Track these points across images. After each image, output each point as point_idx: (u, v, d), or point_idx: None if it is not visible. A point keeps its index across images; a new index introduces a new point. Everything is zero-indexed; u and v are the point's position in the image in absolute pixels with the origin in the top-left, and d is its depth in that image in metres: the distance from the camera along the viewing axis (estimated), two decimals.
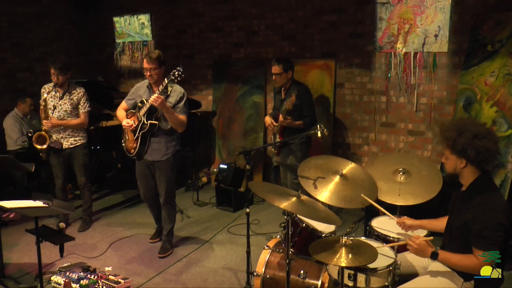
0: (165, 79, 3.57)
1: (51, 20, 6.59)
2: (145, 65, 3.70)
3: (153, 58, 3.66)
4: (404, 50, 4.62)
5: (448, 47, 4.39)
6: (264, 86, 5.64)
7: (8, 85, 6.14)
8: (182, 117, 3.76)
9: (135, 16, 6.57)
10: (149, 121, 3.70)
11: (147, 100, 3.67)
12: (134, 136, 3.81)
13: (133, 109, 3.89)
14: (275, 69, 4.29)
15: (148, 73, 3.70)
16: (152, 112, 3.71)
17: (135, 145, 3.81)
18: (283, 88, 4.43)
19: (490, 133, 2.29)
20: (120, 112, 3.98)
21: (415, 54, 4.57)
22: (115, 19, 6.77)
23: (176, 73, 3.48)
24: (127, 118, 3.88)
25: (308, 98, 4.32)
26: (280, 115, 4.19)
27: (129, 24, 6.67)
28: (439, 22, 4.38)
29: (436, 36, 4.42)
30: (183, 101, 3.76)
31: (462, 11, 4.30)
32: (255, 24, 5.62)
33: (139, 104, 3.79)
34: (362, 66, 4.94)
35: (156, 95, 3.55)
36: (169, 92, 3.71)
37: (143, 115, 3.72)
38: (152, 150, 3.83)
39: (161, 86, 3.62)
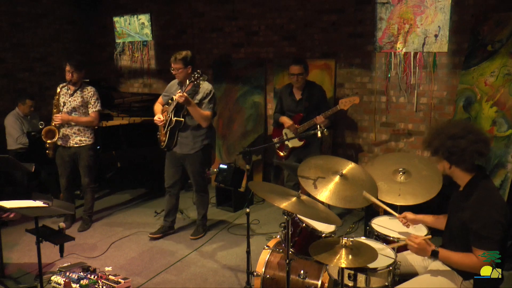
0: (187, 80, 3.92)
1: (51, 20, 6.58)
2: (172, 65, 4.01)
3: (178, 58, 3.97)
4: (404, 50, 4.62)
5: (448, 47, 4.39)
6: (264, 86, 5.64)
7: (8, 85, 6.14)
8: (206, 112, 4.00)
9: (135, 16, 6.57)
10: (175, 118, 3.97)
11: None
12: (164, 130, 4.09)
13: (167, 104, 4.15)
14: (296, 69, 4.28)
15: (174, 72, 4.03)
16: (179, 109, 3.97)
17: (164, 138, 4.10)
18: (293, 89, 4.42)
19: (472, 133, 2.22)
20: (157, 106, 4.27)
21: (415, 54, 4.57)
22: (115, 19, 6.76)
23: (196, 75, 3.77)
24: (162, 113, 4.14)
25: (326, 97, 4.53)
26: (320, 116, 4.16)
27: (129, 24, 6.67)
28: (439, 22, 4.38)
29: (436, 36, 4.42)
30: (209, 97, 4.01)
31: (462, 11, 4.30)
32: (255, 24, 5.62)
33: (170, 100, 4.04)
34: (362, 66, 4.94)
35: (179, 92, 3.81)
36: (198, 90, 3.97)
37: (171, 112, 3.98)
38: (180, 143, 4.10)
39: (183, 86, 3.96)
